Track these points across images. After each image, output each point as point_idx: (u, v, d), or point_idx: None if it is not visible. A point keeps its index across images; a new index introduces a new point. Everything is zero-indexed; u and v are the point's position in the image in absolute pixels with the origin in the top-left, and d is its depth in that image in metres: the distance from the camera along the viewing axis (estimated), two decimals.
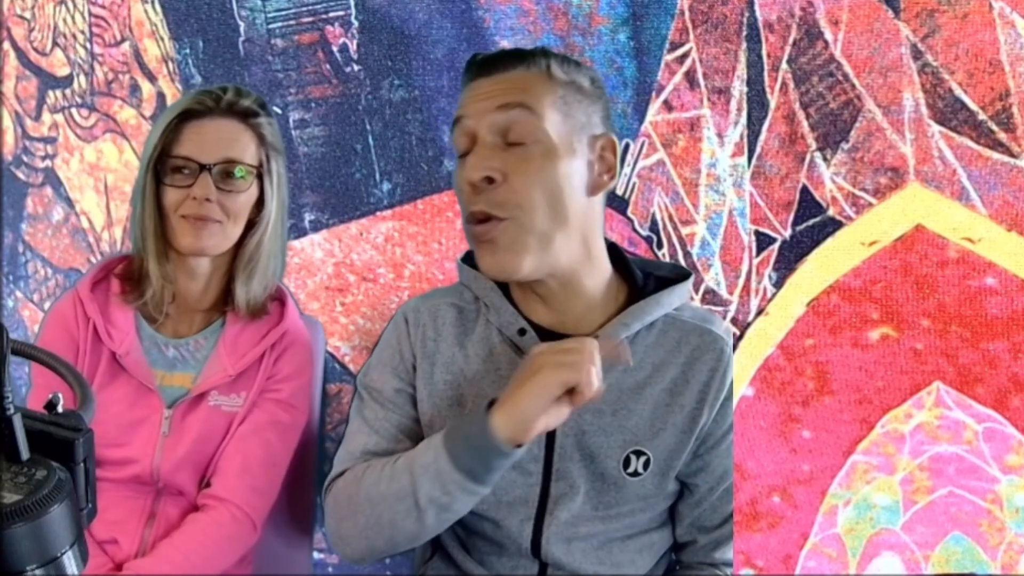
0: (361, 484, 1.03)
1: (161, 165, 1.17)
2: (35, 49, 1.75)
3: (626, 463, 1.05)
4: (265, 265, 1.23)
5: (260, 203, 1.21)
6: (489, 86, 1.01)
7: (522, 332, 1.06)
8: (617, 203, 1.48)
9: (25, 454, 0.52)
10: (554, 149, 0.98)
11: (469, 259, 1.15)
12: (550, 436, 1.05)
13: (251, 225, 1.21)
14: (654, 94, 1.45)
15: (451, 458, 0.95)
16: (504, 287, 1.09)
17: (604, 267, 1.08)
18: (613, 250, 1.10)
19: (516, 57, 1.02)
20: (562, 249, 1.00)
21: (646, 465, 1.05)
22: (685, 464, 1.08)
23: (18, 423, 0.51)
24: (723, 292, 1.46)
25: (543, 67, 1.02)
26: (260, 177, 1.20)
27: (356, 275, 1.59)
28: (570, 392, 0.92)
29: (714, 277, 1.46)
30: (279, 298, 1.28)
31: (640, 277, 1.09)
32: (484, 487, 0.96)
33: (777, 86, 1.42)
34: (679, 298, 1.08)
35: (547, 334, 1.06)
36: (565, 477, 1.06)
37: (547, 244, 0.99)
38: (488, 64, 1.03)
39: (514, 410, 0.92)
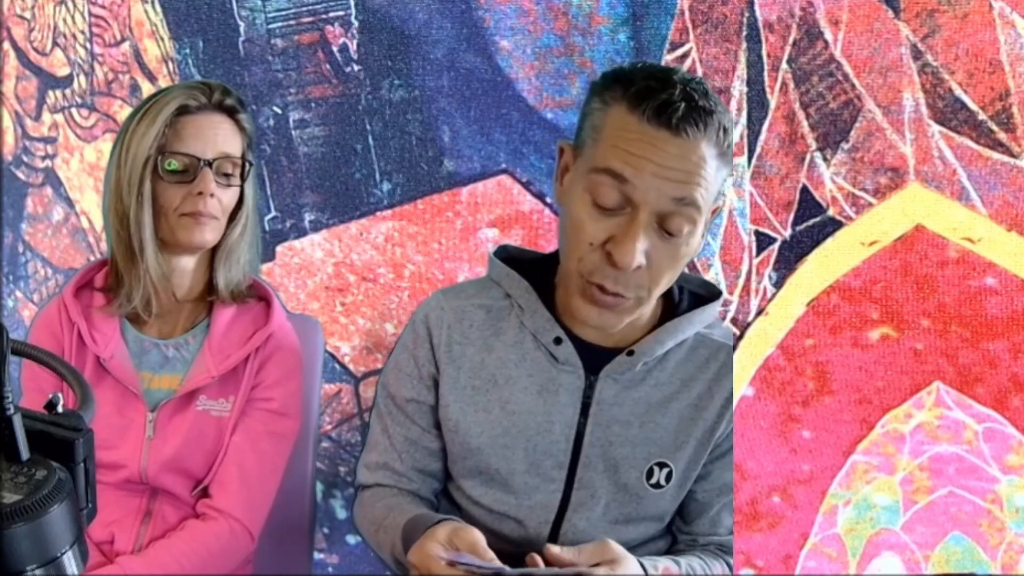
0: (364, 520, 1.14)
1: (155, 162, 1.16)
2: (35, 49, 1.75)
3: (649, 475, 1.05)
4: (246, 254, 1.24)
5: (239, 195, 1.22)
6: (672, 161, 0.91)
7: (558, 340, 1.04)
8: None
9: (25, 454, 0.51)
10: (695, 235, 0.95)
11: (501, 252, 1.13)
12: (577, 445, 1.05)
13: (230, 217, 1.21)
14: None
15: (406, 550, 1.01)
16: (541, 288, 1.07)
17: None
18: None
19: (701, 120, 0.91)
20: None
21: (668, 477, 1.05)
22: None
23: (18, 423, 0.51)
24: (723, 292, 1.47)
25: (719, 135, 0.92)
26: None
27: (356, 275, 1.59)
28: None
29: (714, 277, 1.46)
30: (264, 298, 1.27)
31: (676, 293, 1.08)
32: None
33: (777, 86, 1.42)
34: (710, 317, 1.08)
35: (583, 345, 1.05)
36: (587, 486, 1.06)
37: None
38: (682, 125, 0.91)
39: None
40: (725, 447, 1.08)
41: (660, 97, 0.91)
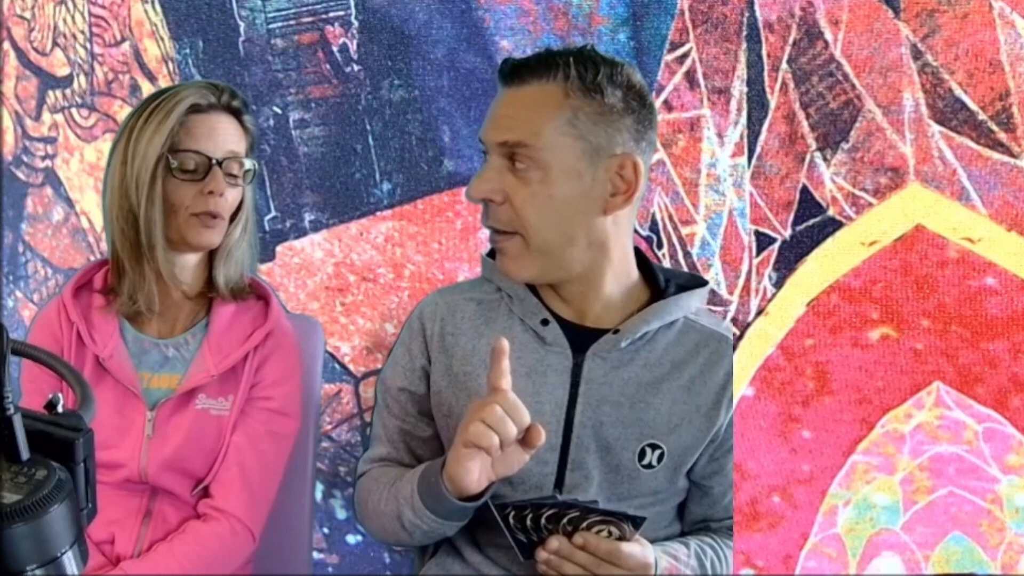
0: (369, 498, 1.13)
1: (167, 160, 1.15)
2: (35, 49, 1.75)
3: (641, 455, 1.07)
4: (245, 253, 1.24)
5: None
6: (504, 108, 1.04)
7: (545, 322, 1.09)
8: None
9: (25, 454, 0.51)
10: (553, 176, 1.01)
11: (494, 254, 1.17)
12: (568, 426, 1.07)
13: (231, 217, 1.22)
14: (654, 94, 1.45)
15: (421, 496, 1.03)
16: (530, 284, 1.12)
17: (628, 272, 1.10)
18: (638, 255, 1.14)
19: (538, 68, 1.02)
20: (574, 261, 1.05)
21: (660, 459, 1.07)
22: (702, 467, 1.10)
23: (18, 423, 0.51)
24: (723, 292, 1.46)
25: (562, 81, 1.01)
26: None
27: (356, 275, 1.59)
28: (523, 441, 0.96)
29: (714, 277, 1.46)
30: (263, 297, 1.27)
31: (663, 281, 1.12)
32: (454, 521, 1.03)
33: (777, 86, 1.42)
34: (696, 302, 1.11)
35: (569, 325, 1.09)
36: (580, 467, 1.07)
37: (553, 258, 1.04)
38: (510, 74, 1.04)
39: (448, 470, 0.98)
40: (728, 438, 1.10)
41: (506, 65, 1.05)
